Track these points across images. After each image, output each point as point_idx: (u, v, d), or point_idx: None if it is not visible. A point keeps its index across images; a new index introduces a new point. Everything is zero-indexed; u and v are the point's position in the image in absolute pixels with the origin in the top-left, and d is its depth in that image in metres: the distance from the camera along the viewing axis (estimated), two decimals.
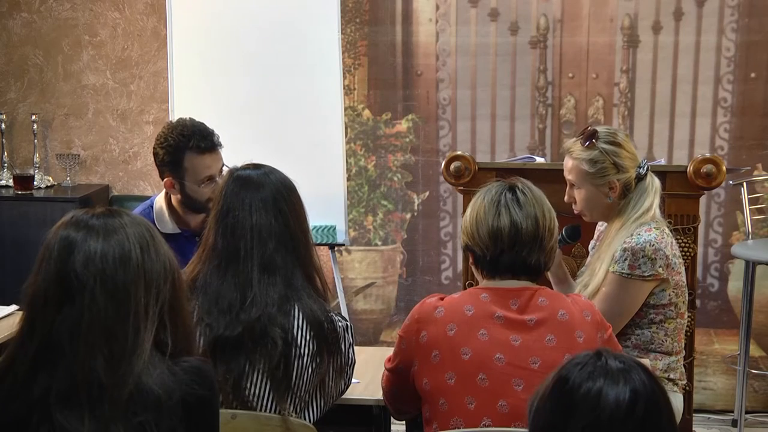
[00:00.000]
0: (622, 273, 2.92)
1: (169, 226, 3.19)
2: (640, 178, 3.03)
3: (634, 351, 2.99)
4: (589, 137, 3.00)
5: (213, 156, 3.14)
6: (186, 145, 3.11)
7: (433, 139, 4.77)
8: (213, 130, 3.16)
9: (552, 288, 2.84)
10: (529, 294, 2.35)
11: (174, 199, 3.19)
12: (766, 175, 4.52)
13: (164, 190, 3.22)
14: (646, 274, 2.91)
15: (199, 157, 3.12)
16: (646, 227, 2.96)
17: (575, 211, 3.09)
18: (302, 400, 2.44)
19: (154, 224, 3.12)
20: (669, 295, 2.97)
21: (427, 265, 4.84)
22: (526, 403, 1.62)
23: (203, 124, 3.17)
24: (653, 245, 2.91)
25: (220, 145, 3.16)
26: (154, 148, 3.19)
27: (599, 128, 3.04)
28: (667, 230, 3.01)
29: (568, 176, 3.05)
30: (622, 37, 4.59)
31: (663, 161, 3.91)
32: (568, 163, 3.05)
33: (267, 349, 2.37)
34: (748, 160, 4.54)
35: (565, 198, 3.08)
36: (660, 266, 2.92)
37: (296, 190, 2.53)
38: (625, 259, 2.92)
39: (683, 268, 3.03)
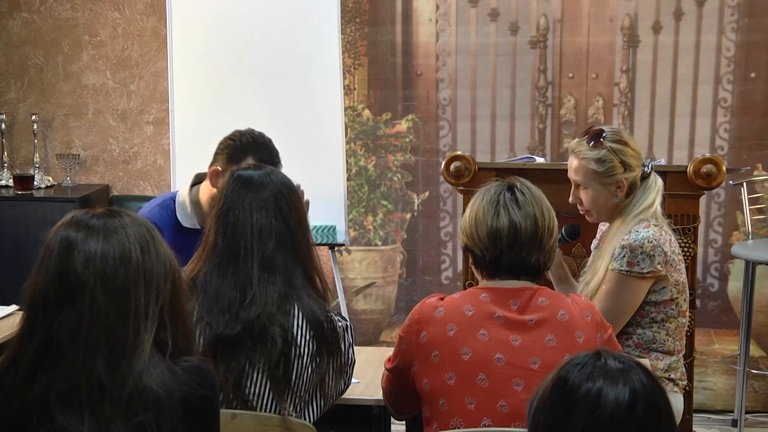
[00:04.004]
0: (621, 270, 2.92)
1: (189, 222, 3.19)
2: (644, 177, 3.03)
3: (635, 351, 3.00)
4: (596, 136, 2.99)
5: None
6: (252, 150, 3.11)
7: (433, 139, 4.77)
8: (277, 153, 3.15)
9: (553, 288, 2.84)
10: (529, 294, 2.35)
11: (208, 192, 3.16)
12: (766, 175, 4.52)
13: (188, 186, 3.22)
14: (644, 270, 2.91)
15: None
16: (644, 224, 2.96)
17: (581, 212, 3.08)
18: (302, 400, 2.44)
19: (175, 216, 3.13)
20: (670, 291, 2.97)
21: (427, 265, 4.83)
22: (526, 403, 1.62)
23: (277, 151, 3.16)
24: (651, 241, 2.91)
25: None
26: (226, 136, 3.17)
27: (604, 127, 3.03)
28: (666, 227, 3.01)
29: (575, 177, 3.03)
30: (622, 37, 4.59)
31: (663, 161, 3.91)
32: (573, 163, 3.03)
33: (267, 347, 2.37)
34: (748, 160, 4.53)
35: (570, 199, 3.06)
36: (659, 263, 2.92)
37: (297, 190, 2.55)
38: (624, 256, 2.92)
39: (683, 265, 3.03)
